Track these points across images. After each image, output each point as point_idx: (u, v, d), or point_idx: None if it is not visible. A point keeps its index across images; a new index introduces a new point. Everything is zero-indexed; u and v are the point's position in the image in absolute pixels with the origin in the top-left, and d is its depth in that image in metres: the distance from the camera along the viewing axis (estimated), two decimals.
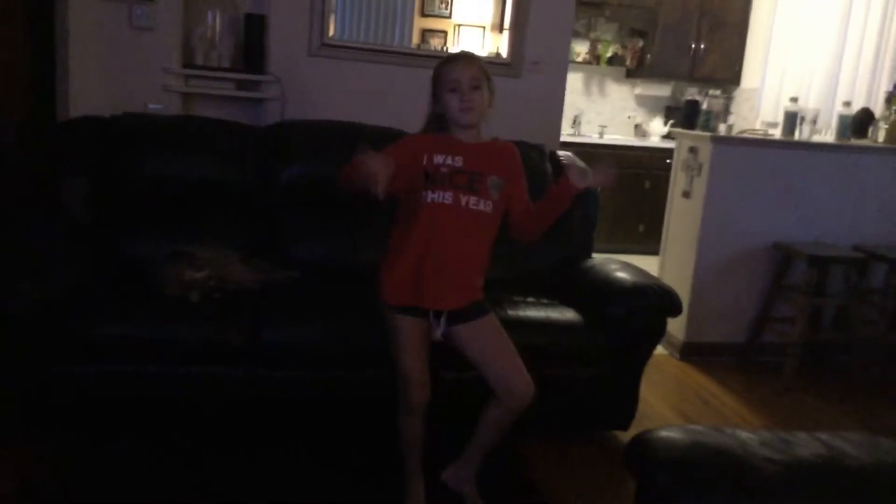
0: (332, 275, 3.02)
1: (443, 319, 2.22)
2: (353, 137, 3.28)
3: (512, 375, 2.23)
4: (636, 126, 6.81)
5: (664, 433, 1.69)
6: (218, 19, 3.51)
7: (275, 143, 3.26)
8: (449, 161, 2.18)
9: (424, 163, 2.18)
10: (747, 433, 1.70)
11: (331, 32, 3.68)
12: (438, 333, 2.23)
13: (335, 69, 3.68)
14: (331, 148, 3.26)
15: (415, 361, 2.23)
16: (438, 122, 2.24)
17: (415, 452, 2.33)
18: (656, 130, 6.64)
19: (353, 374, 2.66)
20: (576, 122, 6.55)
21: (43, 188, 2.92)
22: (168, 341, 2.51)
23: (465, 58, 2.21)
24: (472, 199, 2.18)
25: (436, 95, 2.21)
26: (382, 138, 3.28)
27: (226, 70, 3.56)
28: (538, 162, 3.44)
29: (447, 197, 2.16)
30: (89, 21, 3.36)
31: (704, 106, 4.10)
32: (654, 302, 2.88)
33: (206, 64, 3.54)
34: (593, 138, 6.46)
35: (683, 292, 3.95)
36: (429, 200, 2.16)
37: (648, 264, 4.36)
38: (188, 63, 3.52)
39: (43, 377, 2.46)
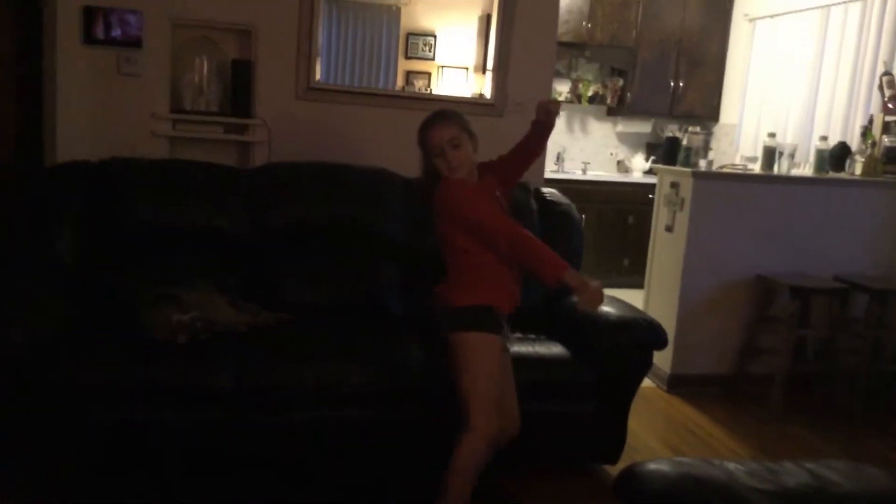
0: (320, 315, 3.04)
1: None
2: (339, 178, 3.35)
3: (515, 411, 2.52)
4: (618, 162, 6.91)
5: (652, 466, 1.71)
6: (206, 65, 3.56)
7: (262, 184, 3.29)
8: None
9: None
10: (735, 464, 1.72)
11: (317, 76, 3.74)
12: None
13: (321, 112, 3.73)
14: (317, 189, 3.31)
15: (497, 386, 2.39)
16: (435, 174, 2.39)
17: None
18: (638, 166, 6.74)
19: (339, 416, 2.67)
20: (559, 159, 6.64)
21: (30, 234, 2.93)
22: (154, 385, 2.51)
23: (441, 118, 2.35)
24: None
25: (425, 156, 2.37)
26: (367, 178, 3.38)
27: (213, 114, 3.60)
28: (523, 199, 3.50)
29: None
30: (77, 68, 3.40)
31: (684, 142, 4.18)
32: (639, 335, 2.91)
33: (193, 108, 3.58)
34: (577, 174, 6.55)
35: (669, 325, 3.98)
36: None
37: (634, 297, 4.41)
38: (176, 108, 3.57)
39: (29, 422, 2.45)
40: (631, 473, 1.69)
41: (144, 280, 2.95)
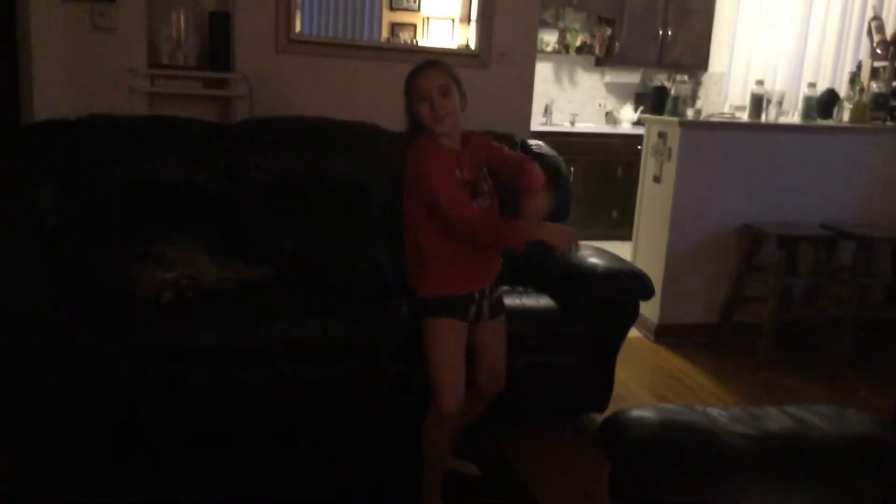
0: (305, 269, 3.02)
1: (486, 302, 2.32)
2: (321, 132, 3.30)
3: (500, 369, 2.45)
4: (607, 114, 6.85)
5: (636, 413, 1.72)
6: (182, 18, 3.47)
7: (242, 140, 3.24)
8: (459, 175, 2.21)
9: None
10: (718, 410, 1.73)
11: (297, 28, 3.66)
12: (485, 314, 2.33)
13: (303, 65, 3.66)
14: (298, 144, 3.27)
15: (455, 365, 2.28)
16: (418, 131, 2.24)
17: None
18: (627, 117, 6.69)
19: (329, 371, 2.67)
20: (547, 111, 6.58)
21: (10, 194, 2.88)
22: (140, 345, 2.50)
23: (432, 66, 2.22)
24: (480, 202, 2.24)
25: (409, 106, 2.22)
26: (351, 133, 3.34)
27: (192, 69, 3.53)
28: None
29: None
30: (51, 24, 3.31)
31: (672, 91, 4.14)
32: (626, 286, 2.92)
33: (171, 63, 3.51)
34: (565, 127, 6.50)
35: (656, 275, 3.99)
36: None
37: (622, 249, 4.41)
38: (154, 63, 3.49)
39: (20, 388, 2.44)
40: (614, 421, 1.70)
41: (127, 239, 2.92)
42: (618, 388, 3.17)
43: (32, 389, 2.45)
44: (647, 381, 3.63)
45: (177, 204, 3.12)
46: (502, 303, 2.43)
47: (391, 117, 2.89)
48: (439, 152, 2.20)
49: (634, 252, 4.39)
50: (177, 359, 2.53)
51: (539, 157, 3.52)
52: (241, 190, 3.19)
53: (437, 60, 2.27)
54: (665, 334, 4.12)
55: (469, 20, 4.05)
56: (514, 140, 3.52)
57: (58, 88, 3.35)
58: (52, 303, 2.51)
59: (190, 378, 2.55)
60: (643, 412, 1.72)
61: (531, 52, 3.95)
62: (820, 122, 4.23)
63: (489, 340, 2.39)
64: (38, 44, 3.31)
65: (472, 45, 3.91)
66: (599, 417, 3.04)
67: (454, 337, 2.25)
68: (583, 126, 6.59)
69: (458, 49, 4.10)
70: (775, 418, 1.69)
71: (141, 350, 2.49)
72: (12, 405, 2.45)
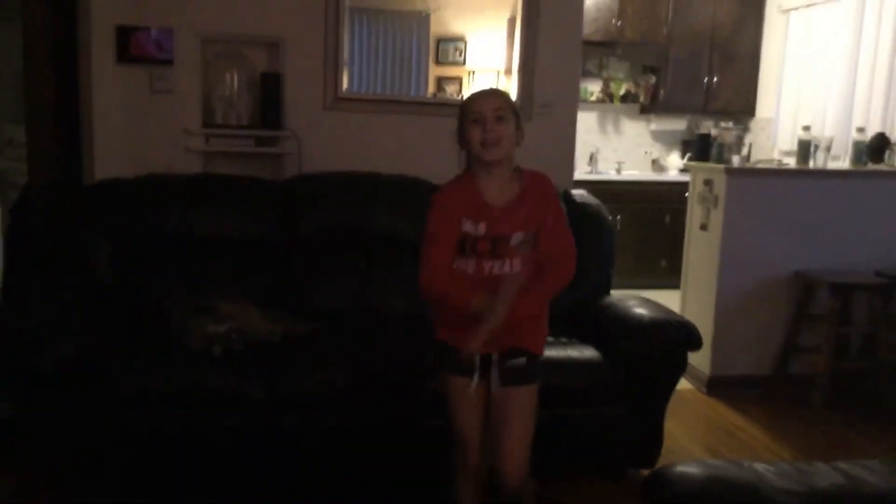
0: (353, 322, 3.07)
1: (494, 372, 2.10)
2: (368, 187, 3.39)
3: (512, 461, 2.13)
4: (653, 161, 6.84)
5: (681, 468, 1.69)
6: (235, 79, 3.62)
7: (293, 195, 3.35)
8: (472, 229, 2.04)
9: (457, 227, 2.06)
10: (764, 466, 1.69)
11: (344, 86, 3.77)
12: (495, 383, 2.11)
13: (350, 121, 3.77)
14: (347, 197, 3.36)
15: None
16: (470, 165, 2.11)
17: None
18: (674, 164, 6.66)
19: (372, 423, 2.69)
20: (592, 159, 6.60)
21: (70, 251, 3.01)
22: (190, 394, 2.56)
23: (491, 91, 2.17)
24: (497, 264, 2.05)
25: (461, 133, 2.07)
26: (398, 186, 3.41)
27: (244, 128, 3.66)
28: None
29: (470, 266, 2.06)
30: (111, 87, 3.49)
31: (717, 138, 4.12)
32: (672, 336, 2.88)
33: (225, 122, 3.65)
34: (611, 175, 6.50)
35: (706, 325, 3.94)
36: (454, 267, 2.07)
37: (672, 298, 4.37)
38: (208, 123, 3.63)
39: (72, 434, 2.52)
40: (659, 476, 1.67)
41: (180, 292, 3.01)
42: (668, 442, 3.10)
43: (83, 433, 2.52)
44: (698, 435, 3.55)
45: (229, 257, 3.22)
46: (523, 373, 2.12)
47: (436, 170, 2.94)
48: (455, 194, 2.07)
49: (683, 301, 4.34)
50: (221, 407, 2.59)
51: (582, 206, 3.55)
52: (292, 243, 3.28)
53: (496, 89, 2.19)
54: (717, 386, 4.03)
55: (512, 72, 4.13)
56: (557, 190, 3.54)
57: (117, 149, 3.51)
58: (101, 351, 2.59)
59: (233, 426, 2.60)
60: (688, 468, 1.69)
61: (573, 103, 3.99)
62: (871, 166, 4.16)
63: (497, 415, 2.12)
64: (98, 106, 3.48)
65: (514, 97, 3.97)
66: (648, 472, 2.98)
67: (456, 392, 2.12)
68: (629, 174, 6.58)
69: None
70: (825, 474, 1.64)
71: (188, 397, 2.56)
72: (63, 447, 2.53)
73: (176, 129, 3.56)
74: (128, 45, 3.46)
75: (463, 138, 2.06)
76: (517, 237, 2.06)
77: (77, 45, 3.53)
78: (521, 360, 2.12)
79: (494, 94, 2.10)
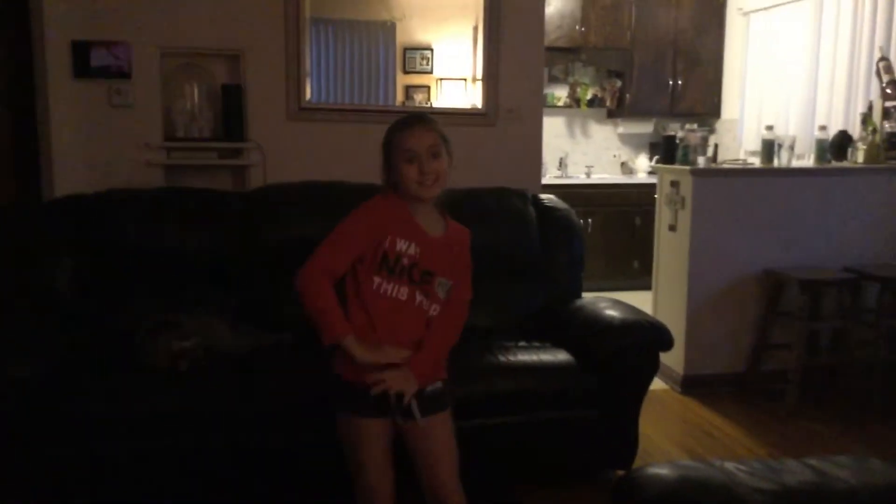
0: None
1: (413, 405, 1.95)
2: (335, 195, 3.34)
3: (454, 488, 2.02)
4: (622, 164, 6.88)
5: (651, 471, 1.67)
6: (196, 91, 3.58)
7: (259, 206, 3.30)
8: (410, 251, 1.93)
9: (387, 245, 1.93)
10: (736, 464, 1.67)
11: (308, 96, 3.74)
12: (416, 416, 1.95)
13: (315, 131, 3.74)
14: (314, 207, 3.31)
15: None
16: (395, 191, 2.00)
17: None
18: (642, 167, 6.71)
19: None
20: (562, 164, 6.62)
21: (28, 269, 2.94)
22: (156, 413, 2.50)
23: (421, 122, 1.96)
24: (425, 301, 1.98)
25: (388, 163, 1.96)
26: (365, 195, 3.36)
27: (207, 140, 3.61)
28: (521, 207, 3.48)
29: (402, 293, 1.94)
30: (69, 102, 3.43)
31: (681, 140, 4.15)
32: (643, 338, 2.88)
33: (187, 136, 3.60)
34: (581, 178, 6.53)
35: (678, 325, 3.95)
36: (381, 291, 1.93)
37: (645, 299, 4.38)
38: (169, 136, 3.58)
39: (29, 459, 2.44)
40: (629, 479, 1.65)
41: (144, 309, 2.95)
42: (644, 443, 3.10)
43: (44, 458, 2.45)
44: (674, 435, 3.55)
45: (195, 271, 3.16)
46: (442, 398, 2.01)
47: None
48: (390, 211, 1.95)
49: (655, 302, 4.35)
50: (190, 424, 2.53)
51: (551, 210, 3.54)
52: (257, 255, 3.23)
53: (424, 115, 2.02)
54: (691, 385, 4.04)
55: (478, 80, 4.12)
56: (526, 195, 3.54)
57: (76, 164, 3.45)
58: (63, 372, 2.53)
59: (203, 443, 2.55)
60: (659, 469, 1.67)
61: (538, 109, 4.00)
62: (834, 164, 4.20)
63: (423, 448, 1.99)
64: (56, 121, 3.42)
65: (480, 104, 3.97)
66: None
67: (371, 439, 1.97)
68: (598, 177, 6.61)
69: (465, 109, 4.16)
70: (795, 471, 1.63)
71: (155, 416, 2.50)
72: (22, 473, 2.45)
73: (136, 144, 3.51)
74: (85, 60, 3.41)
75: (391, 172, 1.95)
76: (442, 282, 2.00)
77: (33, 61, 3.46)
78: (439, 385, 2.02)
79: (427, 128, 1.95)
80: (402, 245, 1.93)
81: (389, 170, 1.97)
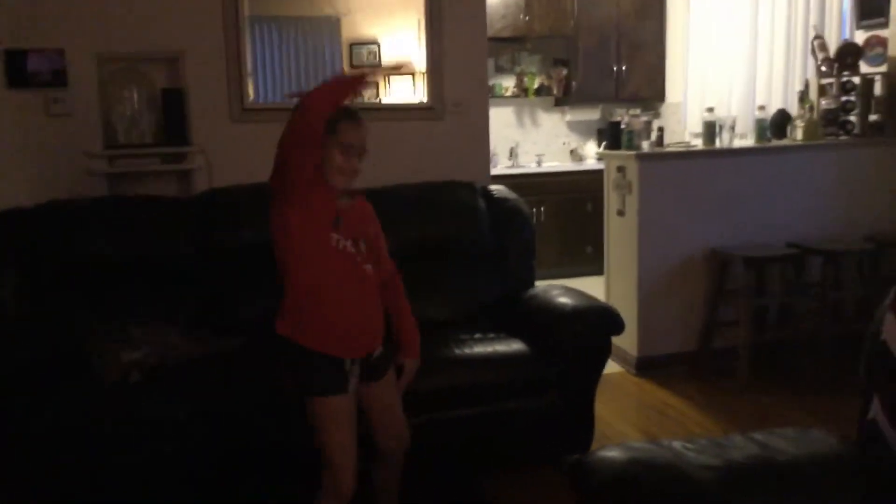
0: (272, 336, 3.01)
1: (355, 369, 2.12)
2: None
3: (400, 426, 2.30)
4: (571, 151, 6.94)
5: (602, 453, 1.71)
6: (136, 96, 3.51)
7: (207, 210, 3.26)
8: (340, 211, 2.10)
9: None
10: (683, 443, 1.72)
11: (250, 97, 3.70)
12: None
13: (260, 132, 3.66)
14: (259, 209, 3.27)
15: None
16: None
17: None
18: (591, 153, 6.77)
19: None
20: (513, 153, 6.65)
21: None
22: (106, 425, 2.47)
23: (362, 122, 2.10)
24: (361, 259, 2.13)
25: (327, 141, 2.02)
26: None
27: (148, 146, 3.55)
28: (470, 199, 3.50)
29: (349, 245, 2.09)
30: (4, 114, 3.34)
31: (626, 126, 4.20)
32: (594, 322, 2.93)
33: (128, 142, 3.53)
34: (532, 167, 6.57)
35: (630, 308, 4.01)
36: (334, 244, 2.06)
37: (598, 284, 4.44)
38: (110, 144, 3.51)
39: None
40: (580, 463, 1.69)
41: (93, 321, 2.90)
42: (601, 426, 3.15)
43: None
44: (630, 417, 3.61)
45: (145, 279, 3.12)
46: (388, 360, 2.25)
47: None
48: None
49: (607, 286, 4.41)
50: (142, 434, 2.51)
51: (500, 201, 3.57)
52: (205, 260, 3.20)
53: (359, 116, 2.12)
54: (645, 366, 4.11)
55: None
56: (475, 187, 3.56)
57: (14, 176, 3.36)
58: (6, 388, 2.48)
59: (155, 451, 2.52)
60: (610, 452, 1.72)
61: (484, 100, 4.01)
62: (774, 142, 4.30)
63: (376, 403, 2.23)
64: None
65: (426, 98, 3.97)
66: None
67: (339, 413, 2.08)
68: (549, 165, 6.66)
69: (413, 103, 4.16)
70: (740, 446, 1.69)
71: (103, 429, 2.47)
72: None
73: (76, 153, 3.43)
74: (19, 68, 3.32)
75: (322, 147, 2.01)
76: (362, 244, 2.16)
77: None
78: (381, 350, 2.21)
79: (365, 128, 2.10)
80: (340, 204, 2.11)
81: (312, 148, 1.99)
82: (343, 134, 2.03)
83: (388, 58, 6.23)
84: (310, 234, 2.04)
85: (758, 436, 1.75)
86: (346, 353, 2.08)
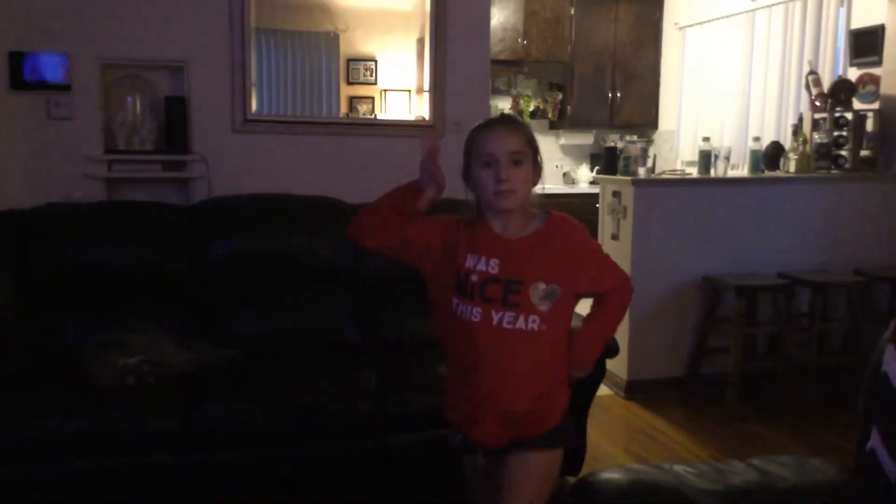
0: (271, 349, 3.00)
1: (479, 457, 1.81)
2: (280, 208, 3.33)
3: None
4: (564, 174, 7.00)
5: (605, 475, 1.72)
6: (138, 103, 3.52)
7: (203, 220, 3.26)
8: (482, 266, 1.69)
9: (458, 260, 1.72)
10: (684, 467, 1.74)
11: (252, 108, 3.72)
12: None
13: (260, 143, 3.71)
14: (259, 221, 3.29)
15: None
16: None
17: None
18: (584, 177, 6.84)
19: (288, 453, 2.63)
20: None
21: None
22: (98, 433, 2.45)
23: (505, 124, 1.73)
24: (508, 316, 1.67)
25: (467, 171, 1.74)
26: (312, 207, 3.36)
27: (149, 152, 3.55)
28: None
29: (476, 314, 1.69)
30: (5, 115, 3.34)
31: (622, 151, 4.25)
32: None
33: (128, 148, 3.53)
34: None
35: (622, 331, 4.03)
36: (458, 313, 1.71)
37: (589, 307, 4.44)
38: (111, 149, 3.51)
39: None
40: (584, 484, 1.70)
41: (88, 327, 2.88)
42: (592, 449, 3.15)
43: None
44: (620, 440, 3.62)
45: (140, 286, 3.10)
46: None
47: (350, 189, 2.93)
48: (461, 227, 1.75)
49: None
50: (133, 444, 2.48)
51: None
52: (203, 270, 3.19)
53: (512, 116, 1.81)
54: (635, 390, 4.13)
55: (423, 91, 4.16)
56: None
57: (13, 179, 3.35)
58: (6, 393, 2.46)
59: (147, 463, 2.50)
60: (612, 474, 1.73)
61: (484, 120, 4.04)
62: (768, 173, 4.37)
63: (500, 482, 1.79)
64: None
65: (426, 115, 4.00)
66: (574, 479, 3.01)
67: (471, 473, 1.86)
68: (541, 188, 6.70)
69: (413, 120, 4.19)
70: (741, 472, 1.70)
71: (96, 436, 2.44)
72: None
73: (76, 156, 3.43)
74: (21, 71, 3.32)
75: (469, 178, 1.73)
76: (539, 288, 1.69)
77: None
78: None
79: (511, 131, 1.71)
80: (471, 261, 1.71)
81: (467, 175, 1.75)
82: (480, 150, 1.71)
83: (384, 75, 6.28)
84: None
85: (756, 462, 1.77)
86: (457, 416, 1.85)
